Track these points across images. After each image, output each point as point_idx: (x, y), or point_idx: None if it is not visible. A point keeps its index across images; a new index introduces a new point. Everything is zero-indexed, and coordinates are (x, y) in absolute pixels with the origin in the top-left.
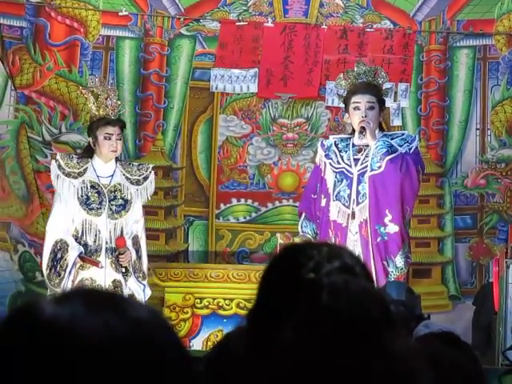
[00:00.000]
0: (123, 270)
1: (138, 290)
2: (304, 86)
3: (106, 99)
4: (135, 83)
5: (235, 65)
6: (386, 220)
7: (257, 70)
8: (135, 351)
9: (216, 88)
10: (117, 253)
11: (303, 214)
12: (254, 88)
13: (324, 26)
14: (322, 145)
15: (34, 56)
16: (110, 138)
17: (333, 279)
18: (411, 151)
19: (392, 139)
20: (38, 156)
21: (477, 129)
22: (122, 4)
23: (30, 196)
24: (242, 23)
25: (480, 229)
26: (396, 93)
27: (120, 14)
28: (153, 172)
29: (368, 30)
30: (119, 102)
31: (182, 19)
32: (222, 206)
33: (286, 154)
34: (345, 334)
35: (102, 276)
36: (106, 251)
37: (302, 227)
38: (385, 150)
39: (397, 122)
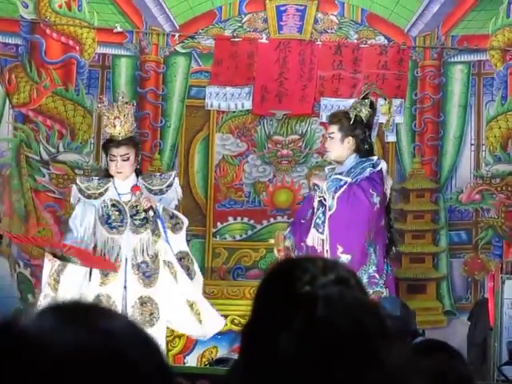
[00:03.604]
0: (151, 212)
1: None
2: (298, 103)
3: (115, 119)
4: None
5: (230, 82)
6: (338, 253)
7: (251, 87)
8: (105, 364)
9: (211, 106)
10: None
11: (290, 228)
12: (248, 105)
13: (318, 42)
14: None
15: (30, 74)
16: (114, 160)
17: (328, 291)
18: (365, 175)
19: (363, 163)
20: (36, 175)
21: (471, 144)
22: (117, 21)
23: (26, 215)
24: (236, 39)
25: (475, 244)
26: (390, 108)
27: (115, 30)
28: (177, 178)
29: (362, 45)
30: (129, 122)
31: (176, 36)
32: (219, 225)
33: (281, 170)
34: (340, 346)
35: (121, 293)
36: (133, 267)
37: (285, 237)
38: (333, 188)
39: (391, 138)
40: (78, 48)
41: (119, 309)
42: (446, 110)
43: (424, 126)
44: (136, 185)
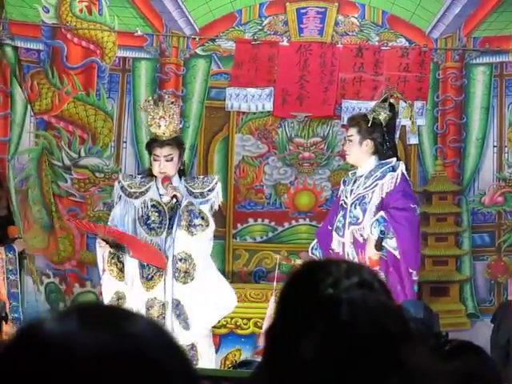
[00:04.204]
0: (174, 200)
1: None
2: (320, 105)
3: (160, 119)
4: None
5: (251, 84)
6: (413, 276)
7: (272, 88)
8: (129, 366)
9: (231, 107)
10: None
11: (316, 239)
12: (269, 107)
13: (339, 45)
14: (344, 181)
15: (52, 80)
16: (157, 160)
17: (351, 295)
18: (394, 189)
19: (382, 167)
20: (59, 181)
21: (494, 146)
22: (137, 25)
23: (51, 223)
24: (257, 42)
25: (498, 246)
26: (411, 111)
27: (135, 34)
28: (219, 183)
29: (383, 48)
30: (174, 123)
31: (197, 39)
32: (239, 226)
33: (303, 173)
34: (363, 349)
35: (163, 294)
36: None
37: (312, 249)
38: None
39: (413, 140)
40: (98, 52)
41: (168, 312)
42: (468, 111)
43: (446, 128)
44: (166, 177)
